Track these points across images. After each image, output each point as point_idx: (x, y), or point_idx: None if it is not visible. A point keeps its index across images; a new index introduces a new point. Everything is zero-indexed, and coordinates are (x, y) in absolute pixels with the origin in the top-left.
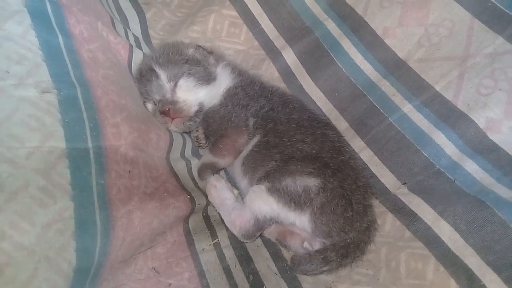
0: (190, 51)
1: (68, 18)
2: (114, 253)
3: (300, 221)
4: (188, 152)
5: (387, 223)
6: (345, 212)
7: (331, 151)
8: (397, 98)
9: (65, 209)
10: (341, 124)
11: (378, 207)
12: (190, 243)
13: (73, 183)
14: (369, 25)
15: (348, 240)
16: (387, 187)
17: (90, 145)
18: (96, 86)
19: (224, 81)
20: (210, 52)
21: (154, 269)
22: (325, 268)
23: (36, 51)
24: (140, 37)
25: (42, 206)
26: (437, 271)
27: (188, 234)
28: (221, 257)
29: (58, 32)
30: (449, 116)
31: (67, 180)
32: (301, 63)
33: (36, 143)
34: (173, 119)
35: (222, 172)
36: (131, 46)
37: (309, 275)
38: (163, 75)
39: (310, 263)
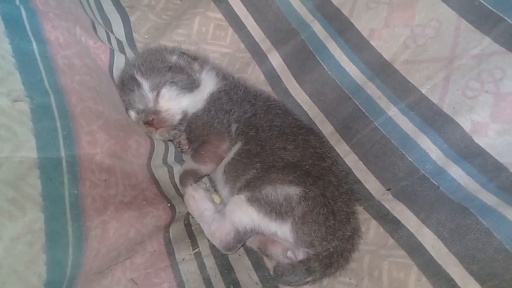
0: (174, 58)
1: (44, 24)
2: (88, 264)
3: (282, 231)
4: (170, 158)
5: (371, 230)
6: (327, 221)
7: (312, 158)
8: (382, 101)
9: (35, 221)
10: (327, 128)
11: (362, 214)
12: (170, 252)
13: (44, 194)
14: (355, 26)
15: (331, 249)
16: (372, 193)
17: (63, 154)
18: (71, 93)
19: (208, 86)
20: (195, 59)
21: (132, 280)
22: (308, 279)
23: (9, 58)
24: (124, 40)
25: (11, 218)
26: (419, 281)
27: (168, 243)
28: (202, 267)
29: (32, 39)
30: (435, 119)
31: (37, 191)
32: (286, 66)
33: (6, 153)
34: (157, 128)
35: (205, 179)
36: (112, 50)
37: (292, 286)
38: (145, 84)
39: (293, 274)
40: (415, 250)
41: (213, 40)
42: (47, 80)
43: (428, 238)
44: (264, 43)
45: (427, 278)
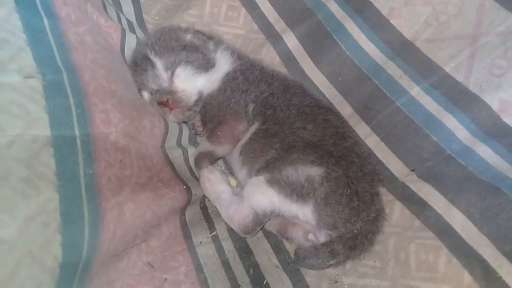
0: (188, 36)
1: (55, 0)
2: (104, 247)
3: (303, 213)
4: (185, 140)
5: (395, 212)
6: (351, 202)
7: (334, 138)
8: (404, 81)
9: (50, 201)
10: (345, 110)
11: (385, 196)
12: (187, 236)
13: (59, 173)
14: (373, 5)
15: (355, 231)
16: (395, 174)
17: (77, 132)
18: (84, 71)
19: (223, 65)
20: (210, 38)
21: (149, 263)
22: (332, 262)
23: (20, 34)
24: (134, 21)
25: (24, 197)
26: (449, 263)
27: (184, 226)
28: (220, 250)
29: (43, 15)
30: (460, 98)
31: (52, 170)
32: (302, 47)
33: (19, 131)
34: (171, 109)
35: (220, 162)
36: (123, 30)
37: (314, 269)
38: (159, 63)
39: (316, 256)
40: (444, 232)
41: (225, 21)
42: (59, 56)
43: (457, 219)
44: (279, 24)
45: (458, 259)
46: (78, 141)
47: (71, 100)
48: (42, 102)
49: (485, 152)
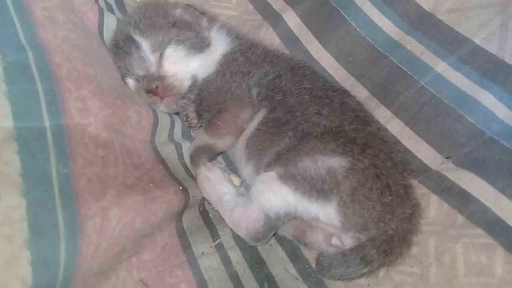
0: (178, 12)
1: None
2: (86, 263)
3: (325, 213)
4: (177, 134)
5: (432, 207)
6: (383, 197)
7: (354, 122)
8: (428, 57)
9: (14, 209)
10: (360, 93)
11: (418, 188)
12: (186, 245)
13: (25, 173)
14: None
15: (390, 231)
16: (426, 163)
17: (46, 123)
18: (54, 51)
19: (219, 46)
20: (203, 13)
21: (142, 281)
22: (364, 270)
23: None
24: (113, 3)
25: None
26: (508, 265)
27: (182, 234)
28: (226, 261)
29: None
30: (496, 72)
31: (16, 169)
32: (305, 25)
33: None
34: (162, 98)
35: (219, 158)
36: (101, 9)
37: (343, 280)
38: (145, 44)
39: (345, 265)
40: (496, 227)
41: (216, 1)
42: (23, 34)
43: (510, 212)
44: (276, 2)
45: None
46: (49, 133)
47: (39, 85)
48: (2, 87)
49: None
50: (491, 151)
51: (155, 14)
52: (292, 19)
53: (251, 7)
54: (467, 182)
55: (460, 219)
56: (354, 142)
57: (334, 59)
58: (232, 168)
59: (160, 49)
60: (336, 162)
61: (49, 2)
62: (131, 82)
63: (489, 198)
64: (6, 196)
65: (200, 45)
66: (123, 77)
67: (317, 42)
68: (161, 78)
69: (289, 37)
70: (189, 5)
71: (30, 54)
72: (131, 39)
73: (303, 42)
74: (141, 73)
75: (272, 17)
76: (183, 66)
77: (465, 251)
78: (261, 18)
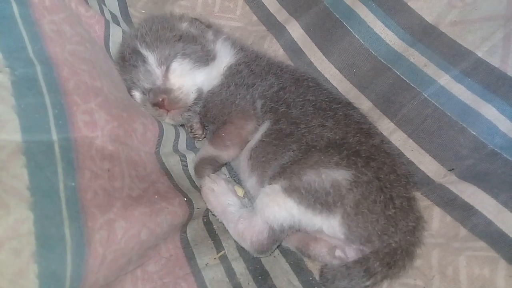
0: (184, 25)
1: None
2: (92, 276)
3: (329, 226)
4: (182, 145)
5: (435, 219)
6: (386, 210)
7: (358, 135)
8: (430, 69)
9: (22, 222)
10: (364, 104)
11: (421, 201)
12: (190, 257)
13: (33, 187)
14: None
15: (393, 244)
16: (429, 175)
17: (54, 137)
18: (61, 64)
19: (224, 58)
20: (208, 26)
21: None
22: (368, 283)
23: None
24: (119, 15)
25: None
26: (510, 278)
27: (186, 246)
28: (230, 273)
29: (12, 0)
30: (499, 85)
31: (24, 183)
32: (309, 37)
33: None
34: (168, 111)
35: (223, 169)
36: (107, 21)
37: None
38: (151, 58)
39: (348, 277)
40: (498, 240)
41: (221, 12)
42: (31, 48)
43: None
44: (281, 13)
45: None
46: (56, 147)
47: (47, 99)
48: (10, 100)
49: None
50: (494, 164)
51: (162, 28)
52: (296, 31)
53: (255, 18)
54: (469, 195)
55: (463, 231)
56: (358, 155)
57: (338, 71)
58: (236, 179)
59: (166, 63)
60: (340, 175)
61: (57, 15)
62: (137, 94)
63: (492, 211)
64: (15, 210)
65: (205, 58)
66: (129, 90)
67: (321, 54)
68: (167, 91)
69: (292, 48)
70: (195, 18)
71: (38, 68)
72: (137, 53)
73: (306, 54)
74: (147, 86)
75: (276, 28)
76: (189, 80)
77: (468, 264)
78: (265, 29)
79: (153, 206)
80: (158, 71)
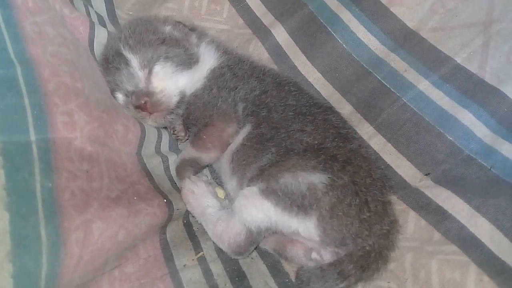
0: (167, 28)
1: None
2: (68, 275)
3: (305, 228)
4: (164, 147)
5: (410, 223)
6: (361, 213)
7: (336, 140)
8: (410, 74)
9: None
10: (345, 108)
11: (397, 205)
12: (168, 258)
13: (9, 187)
14: None
15: (367, 247)
16: (406, 179)
17: (32, 137)
18: (42, 66)
19: (207, 61)
20: (192, 29)
21: None
22: (341, 285)
23: None
24: (105, 16)
25: None
26: (480, 282)
27: (165, 247)
28: (208, 274)
29: None
30: (476, 91)
31: (0, 183)
32: (294, 41)
33: None
34: (151, 113)
35: (205, 170)
36: (92, 22)
37: None
38: (134, 60)
39: (323, 279)
40: (470, 245)
41: (207, 15)
42: (12, 49)
43: (484, 229)
44: (266, 17)
45: (490, 277)
46: (34, 148)
47: (26, 100)
48: None
49: (510, 151)
50: (469, 169)
51: (145, 31)
52: (280, 34)
53: (241, 21)
54: (444, 199)
55: (436, 235)
56: (334, 159)
57: (321, 75)
58: (218, 181)
59: (149, 66)
60: (316, 179)
61: (40, 17)
62: (120, 96)
63: (465, 216)
64: None
65: (188, 61)
66: (113, 92)
67: (305, 58)
68: (149, 94)
69: (277, 52)
70: (178, 22)
71: (18, 69)
72: (120, 55)
73: (291, 57)
74: (130, 88)
75: (262, 32)
76: (172, 83)
77: (440, 267)
78: (250, 33)
79: (132, 207)
80: (140, 74)
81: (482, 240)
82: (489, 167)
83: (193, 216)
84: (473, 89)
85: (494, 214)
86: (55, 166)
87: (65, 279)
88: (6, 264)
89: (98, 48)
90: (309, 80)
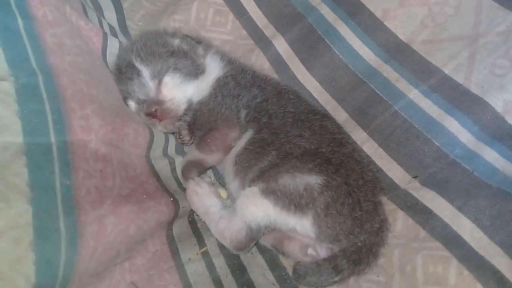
0: (176, 42)
1: (30, 0)
2: (83, 265)
3: (302, 226)
4: (171, 149)
5: (398, 222)
6: (353, 212)
7: (331, 144)
8: (402, 84)
9: (21, 215)
10: (340, 115)
11: (387, 205)
12: (174, 252)
13: (32, 184)
14: (366, 7)
15: (359, 243)
16: (396, 182)
17: (53, 139)
18: (61, 74)
19: (213, 71)
20: (199, 42)
21: (133, 283)
22: (336, 279)
23: None
24: (117, 27)
25: None
26: (460, 275)
27: (171, 242)
28: (210, 267)
29: (17, 15)
30: (462, 100)
31: (24, 180)
32: (293, 52)
33: None
34: (160, 120)
35: (209, 172)
36: (105, 33)
37: (316, 287)
38: (145, 71)
39: (318, 273)
40: (452, 242)
41: (212, 26)
42: (34, 59)
43: (466, 228)
44: (268, 29)
45: (470, 271)
46: (54, 149)
47: (47, 105)
48: (14, 106)
49: (491, 156)
50: (453, 173)
51: (155, 44)
52: (281, 45)
53: (244, 32)
54: (429, 200)
55: (422, 233)
56: (330, 162)
57: (318, 84)
58: (221, 182)
59: (159, 76)
60: (312, 180)
61: (58, 29)
62: (132, 104)
63: (448, 215)
64: (15, 204)
65: (195, 72)
66: (125, 99)
67: (303, 68)
68: (159, 102)
69: (278, 61)
70: (186, 35)
71: (40, 77)
72: (132, 66)
73: (290, 67)
74: (141, 97)
75: (263, 43)
76: (180, 92)
77: (424, 262)
78: (253, 43)
79: (141, 205)
80: (151, 84)
81: (464, 237)
82: (472, 170)
83: (197, 215)
84: (459, 99)
85: (475, 214)
86: (73, 165)
87: (81, 268)
88: (30, 253)
89: (111, 57)
90: (308, 88)
